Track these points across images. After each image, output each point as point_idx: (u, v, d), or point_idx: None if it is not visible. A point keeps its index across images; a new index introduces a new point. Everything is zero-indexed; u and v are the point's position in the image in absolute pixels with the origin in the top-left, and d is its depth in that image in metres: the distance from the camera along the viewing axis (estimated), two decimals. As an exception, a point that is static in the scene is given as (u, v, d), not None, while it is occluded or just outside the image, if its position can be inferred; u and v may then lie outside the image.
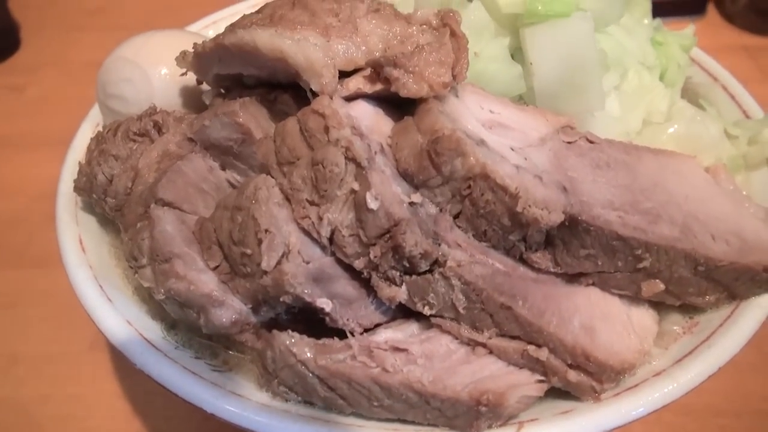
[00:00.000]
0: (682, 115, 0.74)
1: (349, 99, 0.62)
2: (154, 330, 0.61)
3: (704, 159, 0.71)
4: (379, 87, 0.61)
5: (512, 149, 0.61)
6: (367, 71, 0.62)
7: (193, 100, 0.79)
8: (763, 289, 0.60)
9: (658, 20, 0.86)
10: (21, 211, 1.27)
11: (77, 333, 1.05)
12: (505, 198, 0.52)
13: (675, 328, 0.61)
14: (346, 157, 0.54)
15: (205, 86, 0.76)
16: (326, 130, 0.56)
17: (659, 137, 0.73)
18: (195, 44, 0.69)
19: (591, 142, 0.67)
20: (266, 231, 0.52)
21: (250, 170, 0.69)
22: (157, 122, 0.69)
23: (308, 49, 0.59)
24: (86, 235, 0.71)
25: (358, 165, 0.53)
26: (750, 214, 0.63)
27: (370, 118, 0.61)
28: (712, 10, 1.78)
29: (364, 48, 0.63)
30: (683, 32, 0.86)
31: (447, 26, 0.65)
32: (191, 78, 0.76)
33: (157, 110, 0.71)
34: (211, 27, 1.06)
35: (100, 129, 0.75)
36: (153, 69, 0.77)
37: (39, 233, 1.22)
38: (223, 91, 0.75)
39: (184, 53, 0.71)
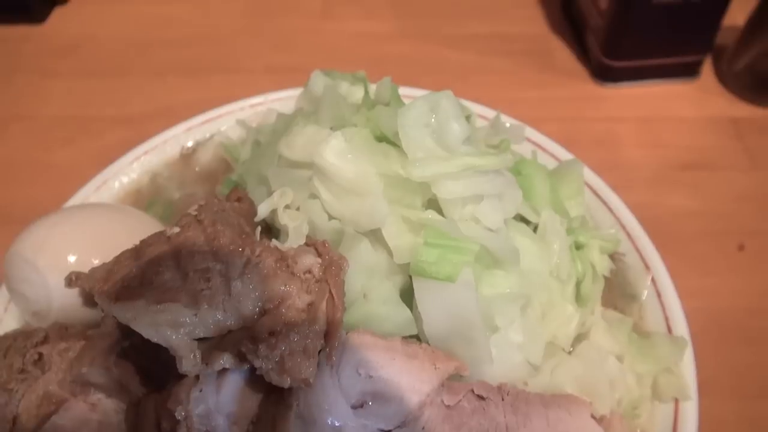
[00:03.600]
0: (588, 345, 0.71)
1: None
2: None
3: (601, 405, 0.69)
4: (246, 366, 0.60)
5: (379, 436, 0.59)
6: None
7: (92, 303, 0.78)
8: None
9: (584, 216, 0.81)
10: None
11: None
12: None
13: None
14: (192, 477, 0.54)
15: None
16: (178, 437, 0.55)
17: (559, 375, 0.70)
18: (77, 278, 0.68)
19: (479, 397, 0.65)
20: None
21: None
22: (41, 356, 0.68)
23: (169, 339, 0.58)
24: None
25: (203, 488, 0.53)
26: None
27: (236, 398, 0.60)
28: (707, 72, 1.68)
29: (237, 314, 0.61)
30: (608, 233, 0.81)
31: (328, 284, 0.63)
32: (91, 278, 0.75)
33: (45, 338, 0.70)
34: (141, 157, 1.03)
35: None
36: (50, 272, 0.75)
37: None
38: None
39: (70, 278, 0.70)
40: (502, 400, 0.65)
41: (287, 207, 0.71)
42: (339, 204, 0.68)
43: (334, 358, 0.59)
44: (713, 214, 1.37)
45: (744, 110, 1.59)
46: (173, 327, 0.59)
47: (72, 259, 0.77)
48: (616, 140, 1.54)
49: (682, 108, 1.62)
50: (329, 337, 0.59)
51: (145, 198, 0.98)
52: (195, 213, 0.69)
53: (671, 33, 1.53)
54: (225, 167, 1.02)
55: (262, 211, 0.71)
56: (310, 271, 0.64)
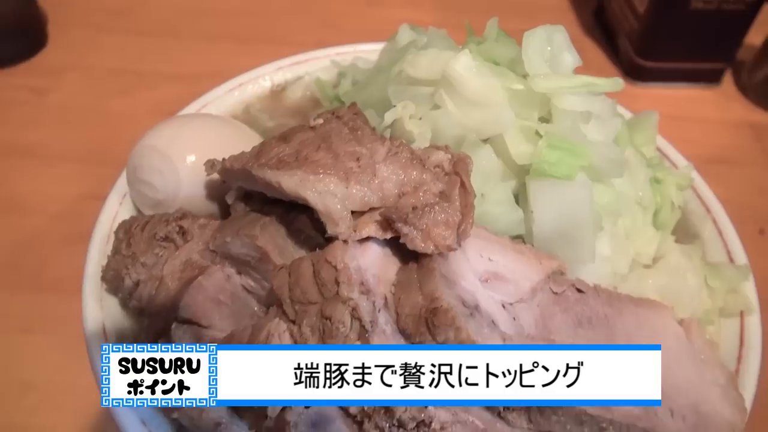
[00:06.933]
0: (666, 262, 0.80)
1: (361, 239, 0.68)
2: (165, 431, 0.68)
3: (681, 310, 0.77)
4: (389, 235, 0.67)
5: (503, 306, 0.67)
6: (380, 217, 0.68)
7: (216, 193, 0.84)
8: (712, 456, 0.67)
9: (659, 156, 0.91)
10: (37, 231, 1.33)
11: (89, 365, 1.12)
12: (490, 373, 0.59)
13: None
14: (352, 316, 0.60)
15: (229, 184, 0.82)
16: (337, 283, 0.62)
17: (644, 283, 0.79)
18: (224, 160, 0.75)
19: (579, 291, 0.73)
20: (274, 381, 0.59)
21: (264, 280, 0.75)
22: (182, 228, 0.74)
23: (329, 202, 0.65)
24: (109, 321, 0.77)
25: (362, 326, 0.60)
26: (711, 380, 0.70)
27: (377, 263, 0.67)
28: (727, 82, 1.81)
29: (380, 194, 0.69)
30: (681, 171, 0.91)
31: (458, 175, 0.71)
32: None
33: (184, 215, 0.76)
34: (236, 89, 1.10)
35: (127, 218, 0.81)
36: (181, 163, 0.82)
37: (55, 256, 1.28)
38: (244, 193, 0.80)
39: (212, 162, 0.76)
40: (598, 295, 0.74)
41: (411, 117, 0.78)
42: (462, 114, 0.76)
43: (470, 234, 0.66)
44: (736, 203, 1.48)
45: (762, 117, 1.73)
46: (331, 195, 0.65)
47: (194, 157, 0.84)
48: (645, 133, 1.65)
49: (706, 110, 1.75)
50: (465, 216, 0.67)
51: (240, 124, 1.05)
52: (332, 112, 0.77)
53: (701, 38, 1.67)
54: (314, 105, 1.10)
55: (388, 119, 0.79)
56: (439, 166, 0.72)
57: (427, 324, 0.60)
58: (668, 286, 0.78)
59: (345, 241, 0.66)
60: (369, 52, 1.16)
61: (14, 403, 1.07)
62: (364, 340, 0.59)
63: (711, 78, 1.80)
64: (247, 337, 0.63)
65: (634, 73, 1.79)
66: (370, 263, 0.66)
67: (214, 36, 1.91)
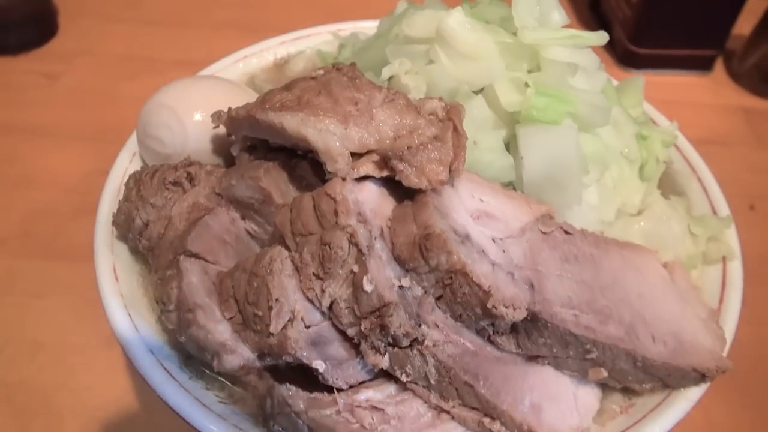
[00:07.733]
0: (651, 211, 0.84)
1: (359, 179, 0.72)
2: (172, 360, 0.72)
3: (665, 255, 0.81)
4: (385, 173, 0.71)
5: (493, 240, 0.71)
6: (377, 157, 0.72)
7: (221, 147, 0.88)
8: (692, 383, 0.70)
9: (646, 115, 0.95)
10: (50, 203, 1.37)
11: (96, 327, 1.15)
12: (479, 293, 0.62)
13: (614, 407, 0.71)
14: (349, 242, 0.64)
15: (233, 137, 0.86)
16: (336, 213, 0.66)
17: (630, 228, 0.82)
18: (229, 109, 0.79)
19: (566, 232, 0.77)
20: (276, 300, 0.63)
21: (267, 224, 0.79)
22: (190, 174, 0.79)
23: (328, 139, 0.69)
24: (119, 264, 0.81)
25: (359, 251, 0.64)
26: (693, 315, 0.73)
27: (374, 200, 0.71)
28: (719, 69, 1.86)
29: (376, 136, 0.73)
30: (666, 128, 0.95)
31: (451, 121, 0.75)
32: (222, 128, 0.86)
33: (191, 162, 0.80)
34: (241, 61, 1.15)
35: (138, 169, 0.85)
36: (189, 118, 0.86)
37: (66, 227, 1.33)
38: (249, 144, 0.85)
39: (219, 114, 0.81)
40: (585, 237, 0.77)
41: (407, 72, 0.83)
42: (456, 67, 0.80)
43: (462, 173, 0.70)
44: (727, 181, 1.52)
45: (754, 102, 1.78)
46: (331, 134, 0.70)
47: (201, 113, 0.88)
48: (639, 116, 1.70)
49: (699, 95, 1.79)
50: (457, 155, 0.70)
51: (246, 93, 1.09)
52: (332, 65, 0.81)
53: (692, 25, 1.71)
54: (315, 76, 1.14)
55: (384, 74, 0.83)
56: (433, 113, 0.76)
57: (421, 249, 0.64)
58: (653, 231, 0.82)
59: (344, 179, 0.70)
60: (369, 28, 1.21)
61: (26, 362, 1.11)
62: (361, 263, 0.63)
63: (703, 65, 1.84)
64: (251, 264, 0.67)
65: (627, 60, 1.83)
66: (368, 198, 0.70)
67: (221, 25, 1.96)
